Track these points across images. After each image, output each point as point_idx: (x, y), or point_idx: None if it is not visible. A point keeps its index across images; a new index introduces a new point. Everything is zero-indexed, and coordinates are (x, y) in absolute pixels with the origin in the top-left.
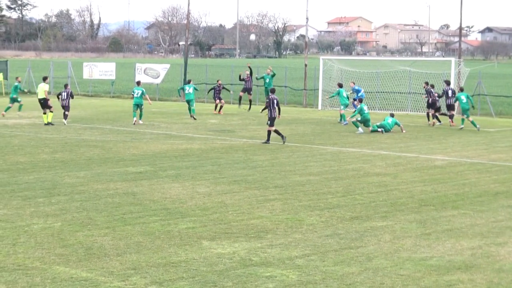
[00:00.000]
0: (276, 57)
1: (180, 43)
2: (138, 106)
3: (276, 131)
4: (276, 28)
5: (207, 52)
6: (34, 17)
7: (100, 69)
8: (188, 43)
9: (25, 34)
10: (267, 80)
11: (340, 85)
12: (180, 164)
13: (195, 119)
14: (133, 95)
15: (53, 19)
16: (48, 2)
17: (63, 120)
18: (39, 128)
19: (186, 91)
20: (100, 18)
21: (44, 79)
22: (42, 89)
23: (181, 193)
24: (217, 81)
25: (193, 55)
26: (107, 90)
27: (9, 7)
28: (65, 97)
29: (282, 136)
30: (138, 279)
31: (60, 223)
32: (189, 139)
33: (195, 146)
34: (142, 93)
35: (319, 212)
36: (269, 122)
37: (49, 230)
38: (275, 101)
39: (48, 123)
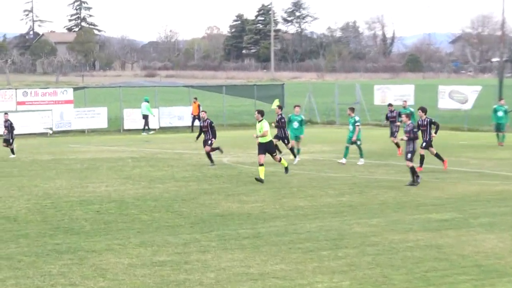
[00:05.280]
0: None
1: (493, 59)
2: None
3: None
4: None
5: None
6: (315, 32)
7: (395, 93)
8: (503, 59)
9: (304, 51)
10: (295, 124)
11: None
12: (495, 210)
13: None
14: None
15: (338, 33)
16: (332, 13)
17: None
18: (322, 166)
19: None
20: (394, 30)
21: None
22: None
23: (497, 247)
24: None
25: (509, 74)
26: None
27: (285, 20)
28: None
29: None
30: None
31: (349, 282)
32: (506, 178)
33: None
34: (301, 122)
35: None
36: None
37: None
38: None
39: None
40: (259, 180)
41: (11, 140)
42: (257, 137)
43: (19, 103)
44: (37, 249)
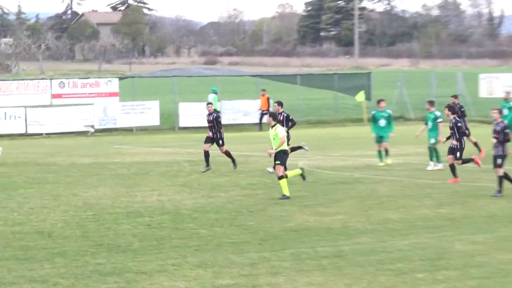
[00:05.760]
0: None
1: None
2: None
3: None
4: None
5: None
6: (407, 10)
7: (504, 83)
8: None
9: (395, 34)
10: (381, 122)
11: None
12: None
13: None
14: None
15: (435, 12)
16: None
17: None
18: (416, 171)
19: None
20: (502, 8)
21: None
22: None
23: None
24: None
25: None
26: None
27: None
28: None
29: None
30: None
31: None
32: None
33: None
34: (389, 118)
35: None
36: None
37: None
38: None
39: None
40: (285, 197)
41: None
42: (271, 153)
43: (54, 96)
44: (76, 270)
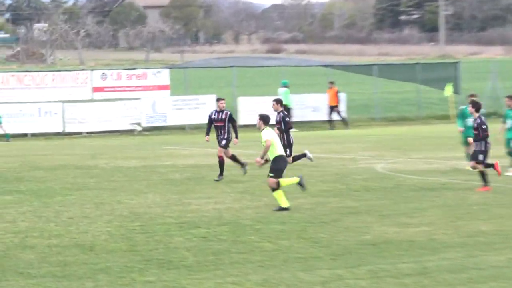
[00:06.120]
0: None
1: None
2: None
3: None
4: None
5: None
6: None
7: None
8: None
9: (486, 18)
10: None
11: None
12: None
13: None
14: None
15: None
16: None
17: None
18: None
19: None
20: None
21: None
22: None
23: None
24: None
25: None
26: None
27: None
28: None
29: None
30: None
31: None
32: None
33: None
34: None
35: None
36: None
37: None
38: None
39: None
40: (282, 209)
41: None
42: (261, 163)
43: (95, 90)
44: None
